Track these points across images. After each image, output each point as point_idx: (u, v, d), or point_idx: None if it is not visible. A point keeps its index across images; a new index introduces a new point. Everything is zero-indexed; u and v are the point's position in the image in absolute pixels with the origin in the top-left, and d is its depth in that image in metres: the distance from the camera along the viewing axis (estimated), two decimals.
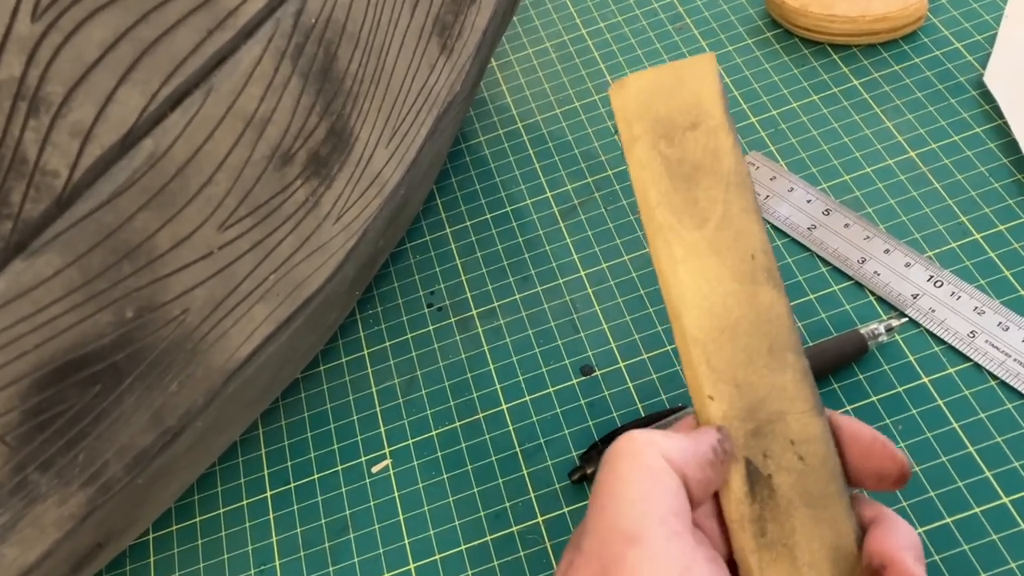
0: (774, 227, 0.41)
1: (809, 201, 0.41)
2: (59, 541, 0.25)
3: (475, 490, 0.37)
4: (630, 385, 0.38)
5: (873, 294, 0.38)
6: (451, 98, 0.34)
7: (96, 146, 0.23)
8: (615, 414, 0.37)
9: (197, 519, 0.38)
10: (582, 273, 0.42)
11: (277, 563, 0.37)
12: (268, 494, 0.39)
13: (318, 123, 0.28)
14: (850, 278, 0.38)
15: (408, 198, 0.35)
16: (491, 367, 0.40)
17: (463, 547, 0.35)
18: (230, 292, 0.27)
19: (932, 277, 0.37)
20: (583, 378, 0.39)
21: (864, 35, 0.45)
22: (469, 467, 0.37)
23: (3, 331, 0.22)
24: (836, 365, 0.36)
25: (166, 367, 0.26)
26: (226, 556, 0.37)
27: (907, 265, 0.38)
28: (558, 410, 0.38)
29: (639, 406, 0.37)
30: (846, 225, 0.40)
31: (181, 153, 0.24)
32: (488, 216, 0.45)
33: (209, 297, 0.26)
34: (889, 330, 0.36)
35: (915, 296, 0.37)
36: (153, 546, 0.38)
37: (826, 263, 0.39)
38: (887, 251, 0.38)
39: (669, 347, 0.39)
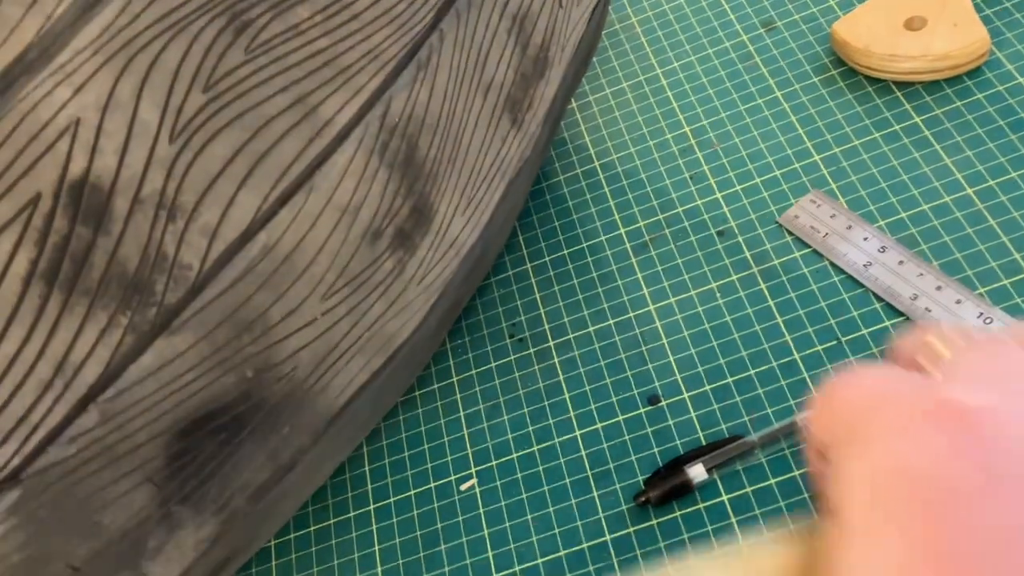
0: (831, 263, 0.43)
1: (866, 239, 0.43)
2: (196, 559, 0.31)
3: (551, 509, 0.41)
4: (693, 415, 0.41)
5: None
6: (522, 163, 0.38)
7: (221, 242, 0.28)
8: (678, 442, 0.41)
9: (311, 528, 0.44)
10: (651, 307, 0.45)
11: (379, 569, 0.42)
12: (371, 507, 0.44)
13: (402, 204, 0.32)
14: (902, 314, 0.41)
15: (485, 251, 0.40)
16: (566, 395, 0.44)
17: (539, 560, 0.40)
18: (331, 350, 0.32)
19: (982, 314, 0.39)
20: (650, 407, 0.42)
21: (927, 72, 0.47)
22: (545, 488, 0.42)
23: (150, 396, 0.27)
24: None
25: (279, 415, 0.31)
26: (336, 562, 0.43)
27: (958, 302, 0.40)
28: (626, 437, 0.42)
29: (700, 434, 0.41)
30: (900, 262, 0.42)
31: (288, 243, 0.29)
32: (565, 252, 0.49)
33: (313, 355, 0.31)
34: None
35: None
36: (274, 552, 0.44)
37: (879, 299, 0.42)
38: (939, 288, 0.41)
39: (730, 379, 0.42)
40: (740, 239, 0.46)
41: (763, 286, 0.44)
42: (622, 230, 0.49)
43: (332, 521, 0.44)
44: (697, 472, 0.39)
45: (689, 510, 0.39)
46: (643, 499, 0.39)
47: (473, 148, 0.35)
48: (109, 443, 0.27)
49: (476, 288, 0.44)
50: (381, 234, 0.32)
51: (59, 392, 0.26)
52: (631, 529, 0.39)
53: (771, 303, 0.43)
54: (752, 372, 0.42)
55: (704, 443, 0.40)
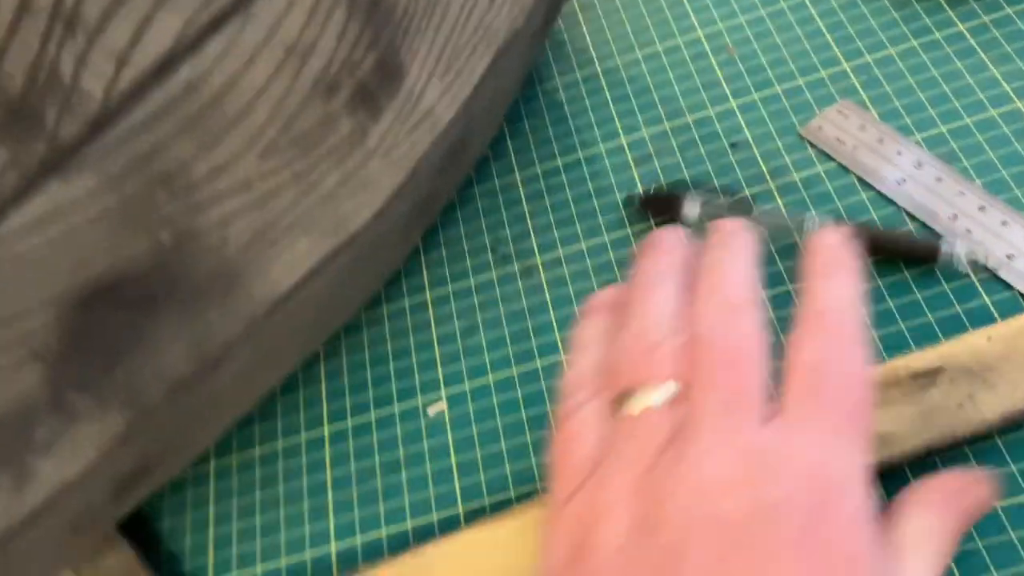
0: (860, 179, 0.38)
1: (900, 153, 0.38)
2: (97, 461, 0.26)
3: (527, 438, 0.36)
4: None
5: None
6: (512, 35, 0.33)
7: (132, 69, 0.23)
8: None
9: (256, 450, 0.39)
10: (653, 222, 0.40)
11: (330, 497, 0.37)
12: (326, 431, 0.39)
13: (364, 55, 0.27)
14: (939, 235, 0.36)
15: (467, 139, 0.35)
16: (552, 316, 0.39)
17: (512, 494, 0.35)
18: (271, 223, 0.27)
19: None
20: None
21: None
22: (523, 414, 0.37)
23: (38, 249, 0.22)
24: (895, 254, 0.36)
25: (204, 296, 0.26)
26: (281, 487, 0.38)
27: (1003, 223, 0.35)
28: None
29: None
30: (938, 179, 0.37)
31: (218, 81, 0.24)
32: (560, 162, 0.44)
33: (249, 227, 0.26)
34: (972, 262, 0.34)
35: (1009, 257, 0.34)
36: (213, 474, 0.39)
37: (913, 218, 0.37)
38: (982, 208, 0.36)
39: None
40: (756, 152, 0.41)
41: (781, 201, 0.39)
42: (624, 140, 0.43)
43: (281, 443, 0.39)
44: (691, 208, 0.38)
45: None
46: (638, 202, 0.40)
47: (455, 3, 0.30)
48: None
49: (455, 187, 0.39)
50: (338, 88, 0.27)
51: None
52: None
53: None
54: (770, 292, 0.37)
55: None
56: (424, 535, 0.35)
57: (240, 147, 0.25)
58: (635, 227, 0.40)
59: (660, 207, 0.39)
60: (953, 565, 0.30)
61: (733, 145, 0.41)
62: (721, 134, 0.42)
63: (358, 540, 0.36)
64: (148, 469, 0.29)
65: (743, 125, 0.42)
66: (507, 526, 0.33)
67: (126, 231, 0.24)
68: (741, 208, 0.38)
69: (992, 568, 0.29)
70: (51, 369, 0.24)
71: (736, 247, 0.30)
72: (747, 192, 0.39)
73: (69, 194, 0.22)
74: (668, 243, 0.31)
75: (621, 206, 0.41)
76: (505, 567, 0.32)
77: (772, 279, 0.37)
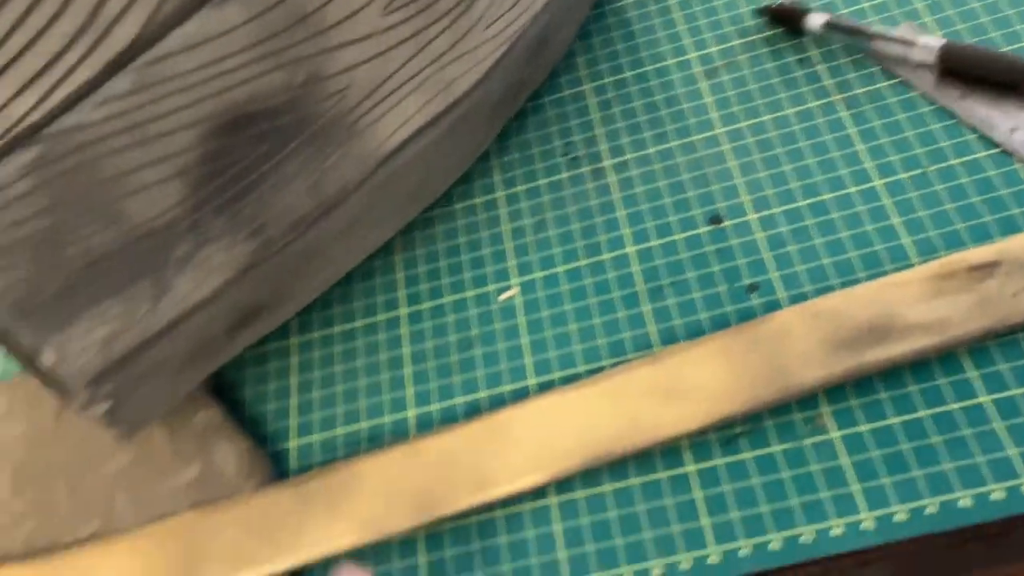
0: (921, 94, 0.40)
1: None
2: (223, 287, 0.28)
3: (594, 321, 0.38)
4: (757, 236, 0.38)
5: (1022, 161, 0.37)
6: None
7: None
8: (741, 261, 0.38)
9: (335, 329, 0.41)
10: (718, 131, 0.42)
11: (408, 370, 0.39)
12: (401, 311, 0.41)
13: None
14: (996, 145, 0.37)
15: (550, 33, 0.36)
16: (620, 213, 0.41)
17: (580, 368, 0.37)
18: (388, 77, 0.29)
19: None
20: (711, 227, 0.39)
21: None
22: (592, 300, 0.39)
23: (191, 73, 0.24)
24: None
25: (326, 140, 0.28)
26: (359, 362, 0.40)
27: None
28: (683, 255, 0.39)
29: (765, 255, 0.38)
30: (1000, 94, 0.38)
31: None
32: (628, 74, 0.45)
33: (368, 78, 0.28)
34: None
35: None
36: (297, 349, 0.41)
37: (973, 130, 0.38)
38: None
39: (801, 203, 0.39)
40: (822, 66, 0.42)
41: (843, 114, 0.41)
42: (691, 55, 0.45)
43: (359, 323, 0.41)
44: (815, 20, 0.42)
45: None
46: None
47: None
48: (141, 119, 0.24)
49: (537, 83, 0.41)
50: None
51: (88, 47, 0.23)
52: (682, 343, 0.36)
53: (851, 131, 0.40)
54: (827, 196, 0.38)
55: (774, 265, 0.37)
56: (497, 405, 0.37)
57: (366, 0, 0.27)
58: (707, 150, 0.42)
59: (785, 17, 0.44)
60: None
61: (800, 61, 0.43)
62: (790, 50, 0.43)
63: (434, 407, 0.38)
64: (258, 311, 0.32)
65: (811, 42, 0.43)
66: (577, 393, 0.35)
67: (266, 64, 0.26)
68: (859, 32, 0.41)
69: None
70: (192, 189, 0.26)
71: None
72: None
73: (219, 21, 0.24)
74: None
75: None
76: (576, 427, 0.34)
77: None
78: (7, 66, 0.22)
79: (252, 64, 0.25)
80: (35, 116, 0.23)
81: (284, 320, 0.36)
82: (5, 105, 0.22)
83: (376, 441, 0.38)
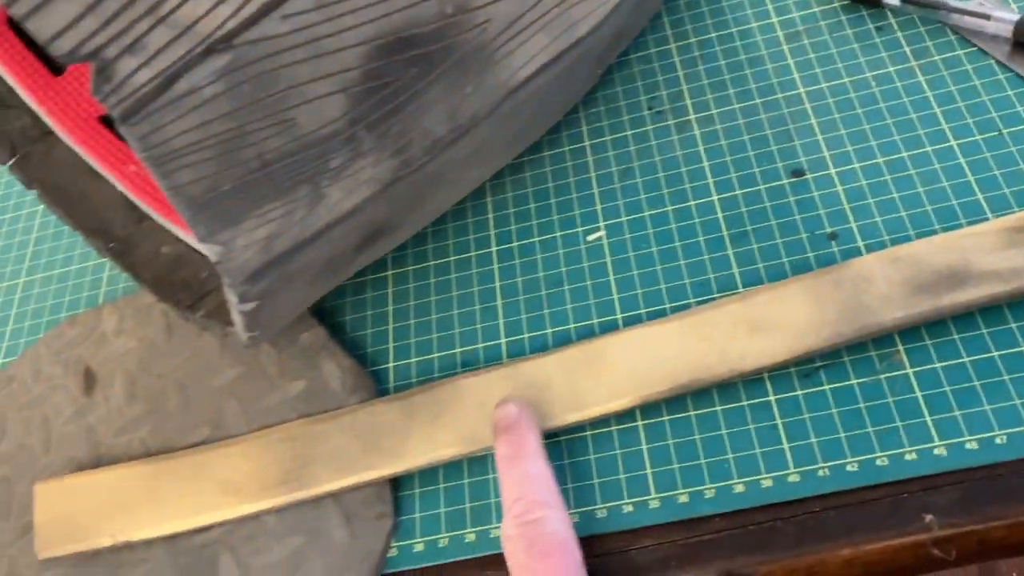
0: (998, 62, 0.42)
1: None
2: (366, 201, 0.31)
3: (681, 262, 0.41)
4: (839, 188, 0.41)
5: None
6: None
7: None
8: (822, 211, 0.40)
9: (430, 263, 0.44)
10: (801, 90, 0.44)
11: (499, 302, 0.42)
12: (493, 249, 0.44)
13: None
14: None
15: None
16: (705, 164, 0.43)
17: (667, 305, 0.40)
18: (522, 14, 0.31)
19: None
20: (793, 179, 0.41)
21: None
22: (677, 244, 0.41)
23: None
24: None
25: (465, 69, 0.30)
26: (454, 293, 0.43)
27: None
28: (767, 204, 0.41)
29: (846, 206, 0.40)
30: None
31: None
32: (713, 34, 0.48)
33: (506, 13, 0.31)
34: None
35: None
36: (392, 279, 0.44)
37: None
38: None
39: (881, 159, 0.41)
40: (900, 35, 0.44)
41: (921, 78, 0.43)
42: (775, 19, 0.47)
43: (452, 258, 0.44)
44: None
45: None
46: None
47: None
48: (318, 34, 0.27)
49: (634, 35, 0.43)
50: None
51: None
52: (765, 283, 0.39)
53: (929, 94, 0.42)
54: (905, 154, 0.41)
55: (853, 216, 0.40)
56: (585, 336, 0.40)
57: None
58: (791, 107, 0.44)
59: None
60: None
61: (879, 28, 0.45)
62: (867, 19, 0.46)
63: (525, 336, 0.40)
64: (382, 231, 0.34)
65: (888, 13, 0.45)
66: (667, 325, 0.38)
67: None
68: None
69: None
70: (352, 104, 0.28)
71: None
72: None
73: None
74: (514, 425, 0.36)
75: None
76: (664, 356, 0.37)
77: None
78: None
79: None
80: (231, 24, 0.25)
81: (397, 245, 0.38)
82: (206, 15, 0.25)
83: (470, 365, 0.40)
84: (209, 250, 0.28)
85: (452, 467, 0.38)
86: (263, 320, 0.33)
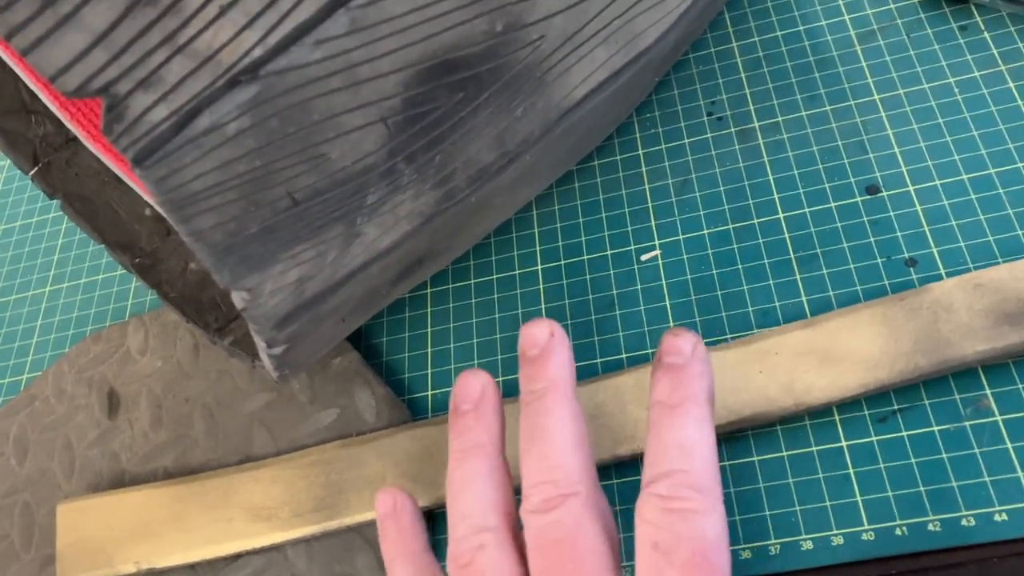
0: None
1: None
2: (405, 236, 0.28)
3: (744, 287, 0.37)
4: (918, 208, 0.37)
5: None
6: None
7: None
8: (899, 233, 0.37)
9: (471, 281, 0.41)
10: (876, 97, 0.40)
11: None
12: (539, 267, 0.41)
13: None
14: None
15: None
16: (770, 177, 0.40)
17: (728, 336, 0.36)
18: (580, 28, 0.28)
19: None
20: (868, 196, 0.38)
21: None
22: (740, 266, 0.38)
23: (402, 16, 0.24)
24: None
25: (516, 90, 0.27)
26: (497, 316, 0.40)
27: None
28: (838, 224, 0.38)
29: (926, 228, 0.36)
30: None
31: None
32: (778, 33, 0.44)
33: (563, 28, 0.27)
34: None
35: None
36: (430, 299, 0.41)
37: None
38: None
39: (965, 176, 0.37)
40: (987, 35, 0.41)
41: (1012, 85, 0.39)
42: (846, 16, 0.43)
43: (495, 276, 0.41)
44: None
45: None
46: None
47: None
48: (354, 60, 0.24)
49: (694, 39, 0.40)
50: None
51: None
52: (835, 307, 0.36)
53: (1020, 102, 0.38)
54: (992, 171, 0.37)
55: (935, 240, 0.36)
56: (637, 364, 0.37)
57: None
58: (864, 115, 0.41)
59: None
60: None
61: (962, 28, 0.41)
62: (950, 17, 0.42)
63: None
64: (422, 261, 0.31)
65: (973, 11, 0.41)
66: (728, 352, 0.35)
67: (470, 10, 0.25)
68: None
69: None
70: (390, 135, 0.25)
71: (556, 411, 0.27)
72: None
73: None
74: (474, 410, 0.29)
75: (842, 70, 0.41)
76: (722, 387, 0.34)
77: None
78: (235, 0, 0.22)
79: (458, 10, 0.25)
80: (257, 53, 0.22)
81: (437, 271, 0.36)
82: (229, 42, 0.22)
83: (514, 394, 0.38)
84: (235, 297, 0.25)
85: None
86: (293, 359, 0.31)
